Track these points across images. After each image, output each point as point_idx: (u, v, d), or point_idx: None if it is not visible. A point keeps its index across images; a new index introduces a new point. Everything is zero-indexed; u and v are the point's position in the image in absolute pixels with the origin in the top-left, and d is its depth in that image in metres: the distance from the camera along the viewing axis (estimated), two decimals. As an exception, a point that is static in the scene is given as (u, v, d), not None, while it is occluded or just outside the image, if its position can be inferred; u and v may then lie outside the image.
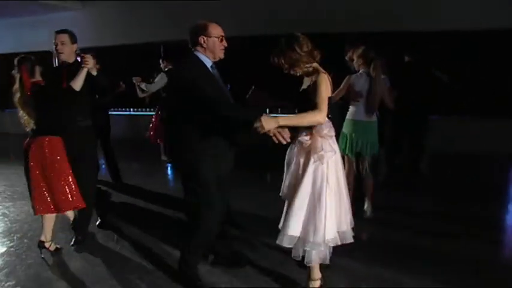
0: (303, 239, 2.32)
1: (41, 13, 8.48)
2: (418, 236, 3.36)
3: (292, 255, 2.43)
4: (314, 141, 2.33)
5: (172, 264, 2.81)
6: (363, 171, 3.78)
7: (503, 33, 5.87)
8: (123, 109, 8.94)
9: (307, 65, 2.35)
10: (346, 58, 3.91)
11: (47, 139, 2.87)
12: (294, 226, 2.31)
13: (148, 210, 4.14)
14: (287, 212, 2.38)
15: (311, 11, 6.66)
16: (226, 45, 2.43)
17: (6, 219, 3.88)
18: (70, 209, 2.99)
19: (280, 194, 2.53)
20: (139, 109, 8.72)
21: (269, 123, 2.14)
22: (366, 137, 3.63)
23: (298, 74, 2.39)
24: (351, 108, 3.68)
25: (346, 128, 3.70)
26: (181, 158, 2.47)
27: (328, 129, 2.37)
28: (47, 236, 3.02)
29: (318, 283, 2.46)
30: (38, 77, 2.96)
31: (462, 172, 5.52)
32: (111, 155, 5.00)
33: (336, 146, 2.41)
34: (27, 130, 2.98)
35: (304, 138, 2.35)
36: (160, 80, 5.26)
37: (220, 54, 2.42)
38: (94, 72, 2.99)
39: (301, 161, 2.38)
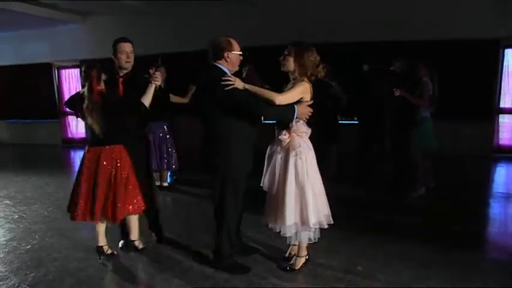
0: (295, 225, 2.71)
1: (42, 26, 8.73)
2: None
3: (288, 242, 2.85)
4: (292, 140, 2.70)
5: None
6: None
7: (476, 42, 6.35)
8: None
9: (298, 73, 2.70)
10: (393, 68, 4.86)
11: (115, 148, 2.95)
12: (289, 216, 2.68)
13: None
14: (281, 205, 2.71)
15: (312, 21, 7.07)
16: (242, 59, 2.80)
17: (24, 221, 4.14)
18: (139, 213, 3.10)
19: (261, 185, 2.87)
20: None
21: (300, 108, 2.66)
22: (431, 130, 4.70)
23: (291, 76, 2.76)
24: (425, 110, 4.57)
25: (428, 124, 4.63)
26: (217, 158, 2.75)
27: (305, 129, 2.75)
28: (101, 240, 3.10)
29: (303, 259, 2.89)
30: (102, 85, 2.95)
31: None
32: None
33: (310, 144, 2.79)
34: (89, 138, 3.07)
35: (284, 137, 2.72)
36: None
37: (237, 67, 2.78)
38: (162, 84, 3.10)
39: (282, 157, 2.75)
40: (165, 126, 5.05)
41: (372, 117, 4.93)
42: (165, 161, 5.03)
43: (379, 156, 5.13)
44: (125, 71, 3.07)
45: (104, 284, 2.81)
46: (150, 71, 2.91)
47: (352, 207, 4.36)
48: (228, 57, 2.70)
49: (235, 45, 2.74)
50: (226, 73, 2.70)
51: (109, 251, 3.12)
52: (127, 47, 3.02)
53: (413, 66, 4.78)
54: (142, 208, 3.06)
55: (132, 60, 3.04)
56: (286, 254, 3.05)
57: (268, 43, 5.61)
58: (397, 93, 4.49)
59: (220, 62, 2.72)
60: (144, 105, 2.89)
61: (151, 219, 3.43)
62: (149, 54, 8.05)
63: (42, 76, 9.38)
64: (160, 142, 4.99)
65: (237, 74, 2.79)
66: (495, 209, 4.44)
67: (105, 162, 2.91)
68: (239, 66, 2.82)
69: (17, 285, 2.77)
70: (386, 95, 4.71)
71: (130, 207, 2.97)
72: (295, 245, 2.96)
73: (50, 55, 9.23)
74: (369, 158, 5.15)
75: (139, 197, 3.01)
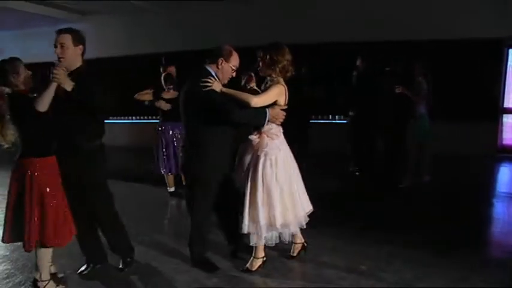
0: (259, 226, 2.70)
1: (42, 25, 8.77)
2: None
3: (250, 242, 2.80)
4: (261, 140, 2.74)
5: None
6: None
7: (480, 43, 6.33)
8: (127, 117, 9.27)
9: (274, 75, 2.77)
10: (388, 68, 5.09)
11: (37, 163, 2.44)
12: (254, 216, 2.69)
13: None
14: (247, 204, 2.72)
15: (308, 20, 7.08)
16: (234, 76, 2.82)
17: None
18: (68, 241, 2.61)
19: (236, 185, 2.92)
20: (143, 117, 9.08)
21: (273, 112, 2.72)
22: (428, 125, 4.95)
23: (268, 78, 2.81)
24: (421, 107, 4.79)
25: (425, 120, 4.84)
26: (191, 157, 2.80)
27: (276, 131, 2.78)
28: (43, 273, 2.57)
29: (260, 261, 2.87)
30: (20, 86, 2.46)
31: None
32: None
33: (283, 146, 2.81)
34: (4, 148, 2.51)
35: (253, 136, 2.77)
36: None
37: (225, 81, 2.78)
38: (68, 88, 2.38)
39: (251, 157, 2.79)
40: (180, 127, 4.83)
41: (367, 116, 5.01)
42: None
43: (374, 153, 5.18)
44: (72, 69, 2.54)
45: (111, 282, 2.82)
46: (52, 68, 2.35)
47: (354, 207, 4.38)
48: (220, 64, 2.73)
49: (234, 59, 2.77)
50: (212, 76, 2.71)
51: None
52: (58, 38, 2.50)
53: (411, 66, 4.93)
54: (70, 236, 2.60)
55: (66, 55, 2.50)
56: (291, 253, 3.06)
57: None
58: (399, 90, 4.67)
59: (212, 66, 2.75)
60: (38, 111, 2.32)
61: (116, 241, 2.90)
62: (152, 53, 8.15)
63: (44, 75, 9.42)
64: (177, 144, 4.75)
65: (237, 82, 2.81)
66: (498, 208, 4.44)
67: (21, 180, 2.44)
68: (236, 73, 2.84)
69: (23, 282, 2.79)
70: (385, 93, 4.84)
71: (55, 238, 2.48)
72: (296, 243, 3.00)
73: (53, 54, 9.26)
74: (365, 157, 5.22)
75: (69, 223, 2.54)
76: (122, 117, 9.24)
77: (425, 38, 6.38)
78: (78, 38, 2.57)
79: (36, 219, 2.42)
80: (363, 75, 5.13)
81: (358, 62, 5.22)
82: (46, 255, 2.55)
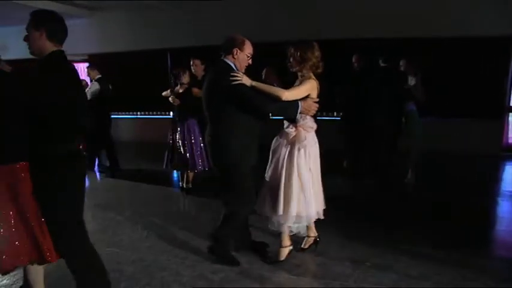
0: (289, 216, 2.75)
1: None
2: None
3: (282, 230, 2.87)
4: (298, 133, 2.77)
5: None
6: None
7: (487, 40, 6.29)
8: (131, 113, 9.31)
9: (305, 70, 2.79)
10: (384, 65, 5.16)
11: (9, 168, 2.07)
12: (292, 207, 2.72)
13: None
14: (285, 196, 2.74)
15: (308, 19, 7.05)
16: (251, 63, 2.82)
17: None
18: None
19: (265, 176, 2.91)
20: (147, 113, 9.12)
21: (306, 104, 2.73)
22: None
23: (299, 74, 2.82)
24: (412, 104, 4.80)
25: (417, 116, 4.82)
26: (222, 156, 2.79)
27: (311, 123, 2.81)
28: None
29: (287, 250, 2.94)
30: None
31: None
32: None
33: (316, 139, 2.86)
34: None
35: (290, 130, 2.79)
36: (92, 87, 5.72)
37: (243, 69, 2.79)
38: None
39: (287, 150, 2.80)
40: (194, 122, 4.68)
41: (362, 114, 5.01)
42: (197, 160, 4.66)
43: (371, 151, 5.18)
44: (42, 55, 2.15)
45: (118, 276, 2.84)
46: None
47: (356, 205, 4.37)
48: (236, 54, 2.73)
49: (247, 47, 2.77)
50: (232, 68, 2.73)
51: None
52: None
53: (404, 63, 4.95)
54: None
55: (28, 42, 2.13)
56: (302, 245, 3.09)
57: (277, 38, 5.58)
58: (408, 86, 4.70)
59: (228, 57, 2.76)
60: None
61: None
62: (156, 49, 8.16)
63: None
64: (191, 139, 4.64)
65: (257, 75, 2.81)
66: (504, 207, 4.43)
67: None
68: (249, 65, 2.83)
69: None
70: (379, 90, 4.87)
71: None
72: (309, 236, 3.05)
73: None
74: (364, 156, 5.23)
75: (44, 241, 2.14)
76: (129, 113, 9.28)
77: (431, 35, 6.34)
78: (40, 21, 2.09)
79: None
80: (359, 73, 5.12)
81: (354, 59, 5.20)
82: (36, 273, 2.26)
